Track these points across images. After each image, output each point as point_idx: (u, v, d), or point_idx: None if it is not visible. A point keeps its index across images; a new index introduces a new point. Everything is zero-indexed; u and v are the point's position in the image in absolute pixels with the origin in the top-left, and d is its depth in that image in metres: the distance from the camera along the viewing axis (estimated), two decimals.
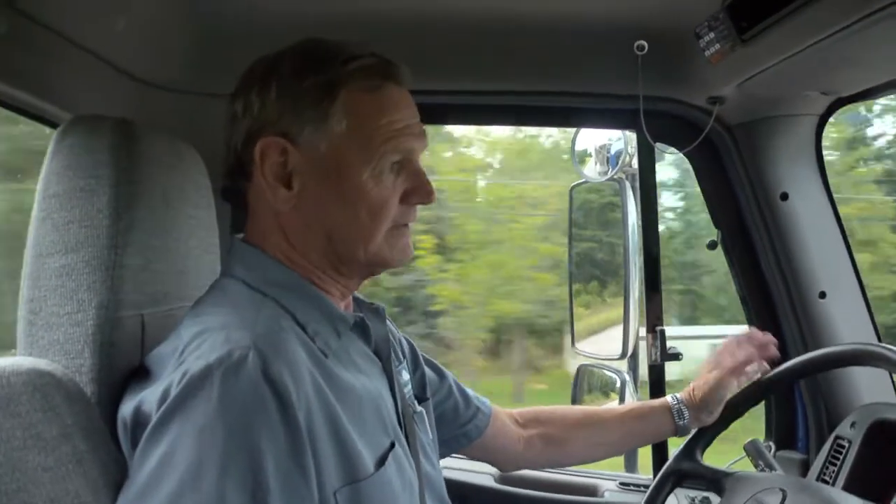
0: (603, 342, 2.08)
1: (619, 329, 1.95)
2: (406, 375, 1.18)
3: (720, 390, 1.44)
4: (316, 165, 0.97)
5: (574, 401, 2.23)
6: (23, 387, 0.84)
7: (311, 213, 0.98)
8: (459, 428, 1.34)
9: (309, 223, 0.99)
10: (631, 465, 2.09)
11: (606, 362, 2.15)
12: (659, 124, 1.68)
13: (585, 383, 2.24)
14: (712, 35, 1.40)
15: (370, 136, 0.97)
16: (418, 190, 1.01)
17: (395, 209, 1.00)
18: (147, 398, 0.85)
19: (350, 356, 1.01)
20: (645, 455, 1.90)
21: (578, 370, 2.25)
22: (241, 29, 1.48)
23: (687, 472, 1.47)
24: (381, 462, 0.94)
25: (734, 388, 1.46)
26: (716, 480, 1.43)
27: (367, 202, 0.97)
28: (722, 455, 1.60)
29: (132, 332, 0.96)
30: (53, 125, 1.33)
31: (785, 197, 1.68)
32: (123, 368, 0.94)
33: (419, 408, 1.18)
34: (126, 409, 0.87)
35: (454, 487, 1.19)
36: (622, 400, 2.07)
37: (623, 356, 1.97)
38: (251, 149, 0.97)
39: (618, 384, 2.10)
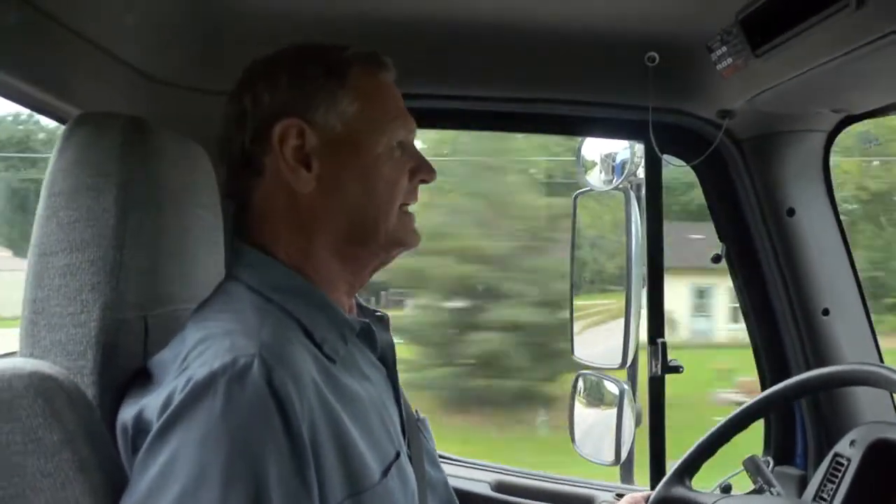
0: (603, 351, 2.07)
1: (620, 338, 1.93)
2: None
3: None
4: (333, 145, 1.00)
5: (571, 409, 2.22)
6: (24, 390, 0.82)
7: (330, 193, 1.00)
8: None
9: (329, 205, 1.00)
10: (627, 477, 2.08)
11: (606, 371, 2.13)
12: (667, 136, 1.67)
13: (584, 392, 2.22)
14: (725, 49, 1.39)
15: (380, 115, 1.02)
16: (421, 167, 1.06)
17: (405, 186, 1.03)
18: (149, 404, 0.84)
19: (356, 363, 1.01)
20: (642, 466, 1.90)
21: (577, 378, 2.24)
22: (253, 27, 1.46)
23: (677, 500, 1.44)
24: (385, 472, 0.93)
25: None
26: None
27: (383, 176, 1.01)
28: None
29: (135, 334, 0.95)
30: (62, 121, 1.32)
31: (791, 213, 1.67)
32: (126, 371, 0.93)
33: (422, 415, 1.17)
34: (127, 414, 0.87)
35: None
36: (621, 409, 2.05)
37: (623, 366, 1.96)
38: (266, 138, 0.98)
39: (617, 393, 2.09)
